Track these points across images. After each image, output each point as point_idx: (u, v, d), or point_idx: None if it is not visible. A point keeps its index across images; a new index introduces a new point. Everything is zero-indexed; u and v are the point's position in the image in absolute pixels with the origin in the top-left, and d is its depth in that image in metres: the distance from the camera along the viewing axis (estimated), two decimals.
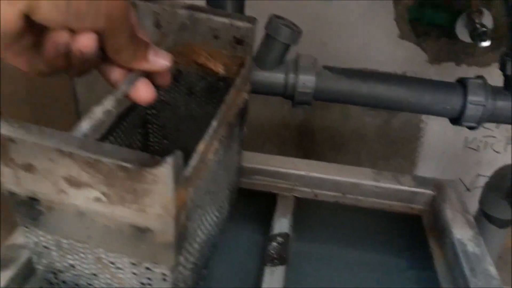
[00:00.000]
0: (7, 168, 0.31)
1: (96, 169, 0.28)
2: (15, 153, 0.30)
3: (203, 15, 0.44)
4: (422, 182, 0.60)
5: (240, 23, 0.44)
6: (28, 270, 0.45)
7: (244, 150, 0.60)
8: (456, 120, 0.62)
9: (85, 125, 0.31)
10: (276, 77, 0.60)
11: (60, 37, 0.30)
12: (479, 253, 0.49)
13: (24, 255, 0.45)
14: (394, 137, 1.02)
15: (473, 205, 0.75)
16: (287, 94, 0.61)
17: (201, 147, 0.34)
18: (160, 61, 0.34)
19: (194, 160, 0.33)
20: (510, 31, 0.62)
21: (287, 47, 0.58)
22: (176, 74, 0.48)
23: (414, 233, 0.57)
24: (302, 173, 0.62)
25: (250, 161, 0.63)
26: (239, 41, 0.45)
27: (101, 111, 0.32)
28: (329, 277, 0.53)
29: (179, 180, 0.29)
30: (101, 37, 0.30)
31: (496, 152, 1.00)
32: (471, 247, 0.50)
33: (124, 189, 0.29)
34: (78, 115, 1.14)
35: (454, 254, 0.50)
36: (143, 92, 0.34)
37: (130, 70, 0.34)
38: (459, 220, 0.53)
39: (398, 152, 1.03)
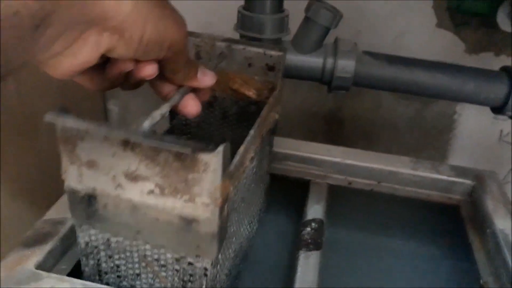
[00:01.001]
0: (72, 165, 0.33)
1: (154, 161, 0.31)
2: (81, 150, 0.32)
3: (239, 46, 0.49)
4: (462, 172, 0.59)
5: (272, 52, 0.49)
6: (64, 246, 0.45)
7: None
8: (498, 109, 0.60)
9: (146, 125, 0.34)
10: (314, 61, 0.59)
11: (126, 66, 0.34)
12: None
13: (61, 230, 0.45)
14: (427, 128, 0.99)
15: None
16: (325, 79, 0.60)
17: (241, 149, 0.36)
18: (206, 79, 0.39)
19: (235, 159, 0.35)
20: None
21: (326, 31, 0.57)
22: (212, 99, 0.52)
23: (452, 223, 0.56)
24: (337, 160, 0.61)
25: (283, 146, 0.62)
26: (270, 68, 0.49)
27: (159, 114, 0.35)
28: (363, 266, 0.52)
29: (226, 170, 0.31)
30: (161, 62, 0.34)
31: None
32: None
33: (177, 179, 0.31)
34: (103, 95, 1.14)
35: (496, 245, 0.48)
36: (191, 105, 0.38)
37: (180, 85, 0.38)
38: (500, 211, 0.52)
39: (430, 143, 1.01)
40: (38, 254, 0.42)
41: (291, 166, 0.62)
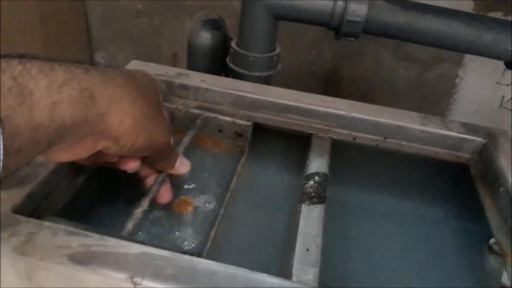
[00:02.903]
0: None
1: None
2: None
3: (211, 115, 0.56)
4: (473, 129, 0.56)
5: (241, 121, 0.55)
6: (46, 191, 0.41)
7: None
8: None
9: (129, 226, 0.37)
10: (323, 3, 0.54)
11: (112, 158, 0.39)
12: None
13: (42, 173, 0.41)
14: (427, 92, 0.96)
15: None
16: (333, 23, 0.55)
17: None
18: (183, 168, 0.44)
19: None
20: None
21: None
22: None
23: (461, 182, 0.53)
24: (342, 112, 0.57)
25: (283, 97, 0.58)
26: (239, 134, 0.56)
27: (140, 212, 0.39)
28: (367, 225, 0.49)
29: None
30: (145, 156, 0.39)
31: None
32: None
33: None
34: (90, 46, 1.08)
35: (510, 203, 0.46)
36: (166, 196, 0.44)
37: (159, 171, 0.43)
38: None
39: (430, 108, 0.98)
40: (15, 197, 0.38)
41: (292, 118, 0.58)
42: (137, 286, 0.32)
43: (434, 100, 0.97)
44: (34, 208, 0.40)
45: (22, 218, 0.36)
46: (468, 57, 0.90)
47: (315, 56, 0.97)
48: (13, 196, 0.38)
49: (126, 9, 0.99)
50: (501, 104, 0.95)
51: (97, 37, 1.08)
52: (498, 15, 0.86)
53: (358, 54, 0.94)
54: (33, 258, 0.33)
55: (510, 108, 0.95)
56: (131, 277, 0.32)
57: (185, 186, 0.49)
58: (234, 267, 0.34)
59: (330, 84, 1.01)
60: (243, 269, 0.34)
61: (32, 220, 0.36)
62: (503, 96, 0.94)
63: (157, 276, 0.32)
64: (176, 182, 0.49)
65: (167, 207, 0.46)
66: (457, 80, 0.95)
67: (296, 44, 0.95)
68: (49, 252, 0.33)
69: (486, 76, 0.92)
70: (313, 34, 0.90)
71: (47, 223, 0.36)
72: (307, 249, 0.40)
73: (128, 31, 1.03)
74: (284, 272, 0.38)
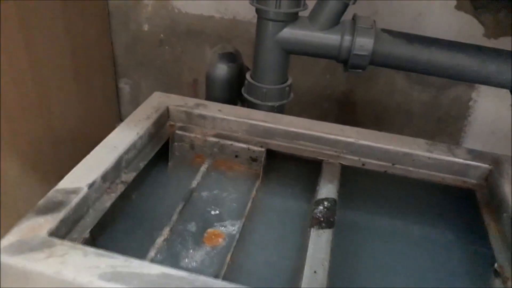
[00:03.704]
0: None
1: None
2: None
3: (227, 142, 0.60)
4: (478, 155, 0.58)
5: (255, 148, 0.59)
6: (77, 215, 0.45)
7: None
8: None
9: (151, 254, 0.40)
10: (331, 38, 0.58)
11: None
12: None
13: (74, 200, 0.45)
14: (441, 114, 0.98)
15: None
16: (341, 57, 0.58)
17: None
18: None
19: None
20: None
21: (345, 6, 0.56)
22: None
23: (467, 207, 0.55)
24: (351, 140, 0.60)
25: (295, 125, 0.61)
26: (254, 160, 0.60)
27: (161, 241, 0.43)
28: (373, 248, 0.52)
29: None
30: None
31: None
32: None
33: None
34: (115, 73, 1.14)
35: (511, 229, 0.48)
36: None
37: None
38: None
39: (444, 130, 0.99)
40: (51, 222, 0.42)
41: (303, 145, 0.61)
42: None
43: (449, 122, 0.98)
44: (67, 230, 0.44)
45: (57, 241, 0.40)
46: None
47: (330, 80, 1.00)
48: (49, 221, 0.42)
49: (149, 39, 1.05)
50: None
51: (122, 65, 1.14)
52: (508, 39, 0.88)
53: (371, 78, 0.96)
54: (67, 278, 0.37)
55: None
56: None
57: (212, 212, 0.53)
58: (246, 287, 0.37)
59: (345, 107, 1.04)
60: None
61: (66, 242, 0.40)
62: None
63: None
64: (201, 209, 0.53)
65: (199, 239, 0.49)
66: (470, 103, 0.96)
67: (311, 69, 0.99)
68: (80, 272, 0.37)
69: (500, 99, 0.94)
70: (327, 59, 0.94)
71: (78, 246, 0.40)
72: (315, 271, 0.43)
73: (151, 59, 1.09)
74: None
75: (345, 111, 1.04)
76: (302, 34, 0.58)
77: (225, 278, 0.44)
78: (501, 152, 0.97)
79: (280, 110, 0.65)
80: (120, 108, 1.19)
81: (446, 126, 1.00)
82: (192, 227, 0.51)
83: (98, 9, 0.99)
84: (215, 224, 0.52)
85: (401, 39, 0.57)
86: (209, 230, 0.51)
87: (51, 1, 0.80)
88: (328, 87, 1.01)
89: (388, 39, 0.57)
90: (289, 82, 0.65)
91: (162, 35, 1.05)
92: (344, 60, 0.58)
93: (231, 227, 0.51)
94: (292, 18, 0.57)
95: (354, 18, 0.58)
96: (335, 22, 0.57)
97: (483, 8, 0.86)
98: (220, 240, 0.50)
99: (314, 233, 0.48)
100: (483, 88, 0.94)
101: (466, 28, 0.88)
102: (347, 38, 0.57)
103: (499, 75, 0.56)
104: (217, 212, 0.53)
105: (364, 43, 0.56)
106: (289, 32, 0.58)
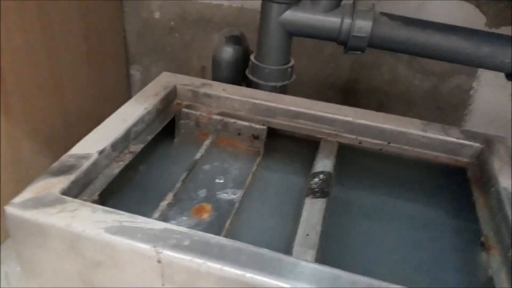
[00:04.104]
0: None
1: None
2: None
3: (231, 120, 0.63)
4: (471, 135, 0.60)
5: (257, 126, 0.62)
6: (88, 178, 0.49)
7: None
8: None
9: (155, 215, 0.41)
10: (331, 20, 0.60)
11: None
12: None
13: (85, 164, 0.48)
14: (442, 103, 0.99)
15: None
16: (341, 38, 0.61)
17: None
18: None
19: None
20: None
21: None
22: None
23: (458, 184, 0.57)
24: (348, 119, 0.62)
25: (295, 104, 0.64)
26: (256, 137, 0.63)
27: (165, 205, 0.45)
28: (367, 223, 0.54)
29: None
30: None
31: None
32: None
33: None
34: (127, 59, 1.17)
35: (498, 201, 0.50)
36: None
37: None
38: (506, 171, 0.53)
39: (444, 119, 1.01)
40: (63, 182, 0.46)
41: (303, 124, 0.64)
42: (159, 254, 0.39)
43: (450, 111, 1.00)
44: (78, 191, 0.47)
45: (68, 199, 0.44)
46: (481, 69, 0.93)
47: (334, 69, 1.02)
48: (62, 181, 0.45)
49: (160, 26, 1.09)
50: None
51: (133, 51, 1.18)
52: (510, 29, 0.89)
53: (374, 67, 0.99)
54: (77, 230, 0.40)
55: None
56: (155, 247, 0.39)
57: (217, 181, 0.56)
58: (241, 242, 0.40)
59: (349, 95, 1.06)
60: (249, 245, 0.40)
61: (76, 200, 0.44)
62: None
63: (176, 247, 0.39)
64: (209, 177, 0.56)
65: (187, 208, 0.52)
66: (471, 92, 0.98)
67: (316, 57, 1.01)
68: (89, 225, 0.40)
69: (501, 88, 0.95)
70: (331, 48, 0.96)
71: (88, 203, 0.43)
72: (307, 234, 0.46)
73: (161, 46, 1.12)
74: (286, 254, 0.44)
75: (348, 99, 1.06)
76: (304, 17, 0.60)
77: None
78: None
79: (283, 91, 0.68)
80: (130, 93, 1.23)
81: (447, 114, 1.01)
82: (195, 195, 0.54)
83: None
84: (218, 192, 0.55)
85: (399, 22, 0.59)
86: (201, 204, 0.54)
87: None
88: (332, 75, 1.03)
89: (386, 22, 0.59)
90: (291, 63, 0.67)
91: (172, 23, 1.08)
92: (344, 41, 0.61)
93: (233, 195, 0.54)
94: (295, 1, 0.60)
95: (354, 1, 0.61)
96: (336, 5, 0.60)
97: None
98: (206, 215, 0.52)
99: (308, 201, 0.51)
100: (484, 77, 0.96)
101: (468, 17, 0.90)
102: (347, 20, 0.59)
103: (494, 58, 0.59)
104: (222, 181, 0.56)
105: (363, 25, 0.58)
106: (291, 14, 0.60)
